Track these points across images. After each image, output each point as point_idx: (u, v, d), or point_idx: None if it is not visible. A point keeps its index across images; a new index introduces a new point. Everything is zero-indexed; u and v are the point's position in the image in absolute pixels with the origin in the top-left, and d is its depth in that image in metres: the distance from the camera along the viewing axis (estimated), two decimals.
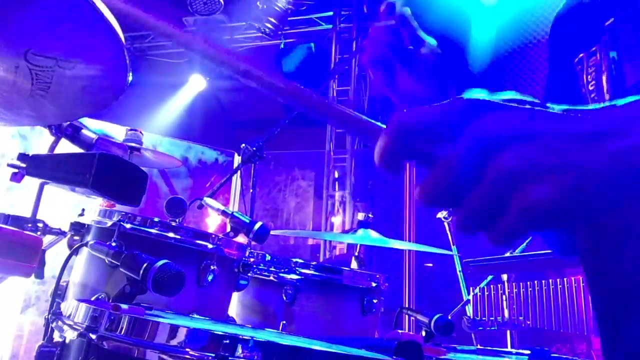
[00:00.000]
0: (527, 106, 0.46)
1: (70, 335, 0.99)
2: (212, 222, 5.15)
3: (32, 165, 1.43)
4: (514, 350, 1.97)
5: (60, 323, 1.05)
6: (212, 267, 1.67)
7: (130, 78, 0.95)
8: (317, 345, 1.11)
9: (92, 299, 1.49)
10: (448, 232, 3.51)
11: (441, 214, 3.43)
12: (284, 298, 1.93)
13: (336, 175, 5.99)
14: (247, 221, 1.91)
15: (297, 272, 1.96)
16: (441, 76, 0.98)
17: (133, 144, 2.60)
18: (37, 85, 0.94)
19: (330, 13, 6.59)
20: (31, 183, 1.60)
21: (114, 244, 1.54)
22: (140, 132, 2.74)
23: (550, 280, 2.85)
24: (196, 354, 0.85)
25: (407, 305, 4.73)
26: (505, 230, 0.44)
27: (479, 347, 2.00)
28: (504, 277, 3.02)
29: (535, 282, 2.89)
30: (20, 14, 0.83)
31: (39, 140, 4.40)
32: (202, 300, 1.70)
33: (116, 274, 1.48)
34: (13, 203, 4.11)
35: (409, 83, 0.98)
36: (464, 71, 1.02)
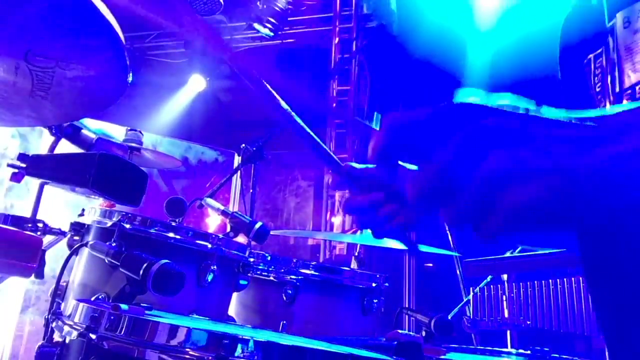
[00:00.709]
0: (521, 111, 0.47)
1: (70, 335, 0.99)
2: (212, 222, 5.15)
3: (32, 165, 1.43)
4: (514, 350, 1.97)
5: (60, 323, 1.05)
6: (212, 267, 1.67)
7: (130, 78, 0.95)
8: (317, 345, 1.11)
9: (92, 299, 1.49)
10: (448, 232, 3.51)
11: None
12: (284, 298, 1.93)
13: None
14: (247, 221, 1.91)
15: (297, 272, 1.96)
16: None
17: (133, 144, 2.60)
18: (38, 86, 0.94)
19: (330, 13, 6.59)
20: (31, 183, 1.60)
21: (114, 244, 1.54)
22: (140, 132, 2.74)
23: (550, 280, 2.85)
24: (196, 354, 0.85)
25: (407, 305, 4.74)
26: (493, 229, 0.45)
27: (479, 347, 2.00)
28: (504, 277, 3.02)
29: (535, 282, 2.89)
30: (20, 15, 0.84)
31: (39, 140, 4.40)
32: (202, 300, 1.70)
33: (116, 274, 1.48)
34: (13, 203, 4.11)
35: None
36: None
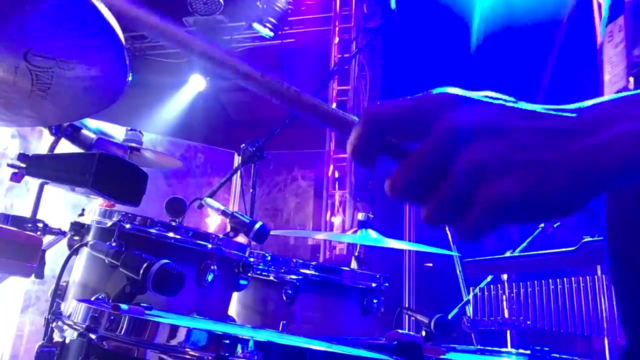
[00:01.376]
0: (500, 102, 0.47)
1: (70, 335, 0.99)
2: (212, 222, 5.15)
3: (32, 165, 1.43)
4: (514, 350, 1.97)
5: (60, 323, 1.05)
6: (212, 267, 1.67)
7: (129, 78, 0.95)
8: (317, 345, 1.11)
9: (92, 299, 1.49)
10: (448, 232, 3.50)
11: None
12: (284, 298, 1.93)
13: (336, 175, 5.98)
14: (247, 221, 1.91)
15: (297, 272, 1.96)
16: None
17: (133, 144, 2.60)
18: (37, 86, 0.94)
19: (330, 13, 6.59)
20: (31, 183, 1.60)
21: (114, 244, 1.54)
22: (140, 132, 2.74)
23: (550, 280, 2.84)
24: (196, 354, 0.85)
25: (407, 305, 4.74)
26: (472, 224, 0.45)
27: (479, 347, 2.00)
28: (504, 277, 3.02)
29: (535, 282, 2.89)
30: (20, 15, 0.83)
31: (39, 140, 4.40)
32: (202, 300, 1.70)
33: (116, 274, 1.48)
34: (13, 203, 4.11)
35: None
36: (464, 44, 1.02)
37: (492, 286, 3.06)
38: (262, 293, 2.00)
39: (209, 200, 2.10)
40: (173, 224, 1.70)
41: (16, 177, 1.42)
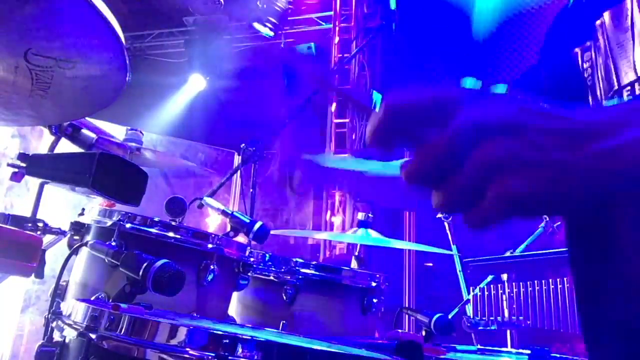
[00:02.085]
0: (518, 100, 0.48)
1: (70, 335, 0.99)
2: (212, 222, 5.15)
3: (32, 165, 1.43)
4: (514, 350, 1.97)
5: (60, 323, 1.05)
6: (212, 267, 1.67)
7: (129, 78, 0.95)
8: (317, 345, 1.11)
9: (92, 298, 1.49)
10: (448, 232, 3.50)
11: (441, 214, 3.43)
12: (284, 298, 1.93)
13: None
14: (247, 221, 1.91)
15: (297, 272, 1.95)
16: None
17: (133, 144, 2.59)
18: (37, 85, 0.94)
19: (330, 13, 6.59)
20: (31, 182, 1.60)
21: (113, 244, 1.54)
22: (140, 132, 2.74)
23: (550, 280, 2.84)
24: (196, 354, 0.85)
25: (407, 305, 4.74)
26: (481, 214, 0.46)
27: (479, 347, 2.00)
28: (504, 277, 3.02)
29: (535, 282, 2.89)
30: (20, 14, 0.83)
31: (39, 140, 4.40)
32: (202, 300, 1.70)
33: (116, 274, 1.48)
34: (13, 202, 4.11)
35: None
36: (467, 38, 1.02)
37: (492, 286, 3.06)
38: (262, 293, 2.00)
39: (209, 200, 2.10)
40: (173, 223, 1.69)
41: (16, 177, 1.42)
